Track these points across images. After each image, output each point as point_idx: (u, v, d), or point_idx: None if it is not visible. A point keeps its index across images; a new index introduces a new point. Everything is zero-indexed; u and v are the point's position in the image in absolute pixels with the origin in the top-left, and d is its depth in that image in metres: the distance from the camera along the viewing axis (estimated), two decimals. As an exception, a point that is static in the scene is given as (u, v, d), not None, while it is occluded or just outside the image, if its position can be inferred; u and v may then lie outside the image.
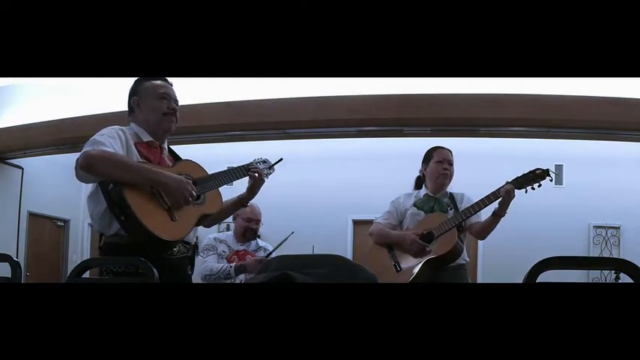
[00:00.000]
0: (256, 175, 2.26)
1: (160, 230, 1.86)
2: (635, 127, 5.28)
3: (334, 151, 6.76)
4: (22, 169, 7.34)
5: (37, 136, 6.48)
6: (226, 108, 5.84)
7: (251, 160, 2.36)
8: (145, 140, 2.05)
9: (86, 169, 1.85)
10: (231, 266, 3.27)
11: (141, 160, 1.98)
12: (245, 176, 2.28)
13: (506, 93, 5.26)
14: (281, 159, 2.45)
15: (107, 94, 6.01)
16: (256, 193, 2.31)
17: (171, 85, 2.14)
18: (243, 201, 2.33)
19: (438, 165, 2.88)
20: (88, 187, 2.02)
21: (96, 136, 1.93)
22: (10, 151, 6.99)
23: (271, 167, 2.42)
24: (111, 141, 1.92)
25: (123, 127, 2.04)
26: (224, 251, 3.44)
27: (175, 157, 2.18)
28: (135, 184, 1.87)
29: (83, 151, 1.87)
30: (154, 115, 2.07)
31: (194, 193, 1.96)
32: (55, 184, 7.44)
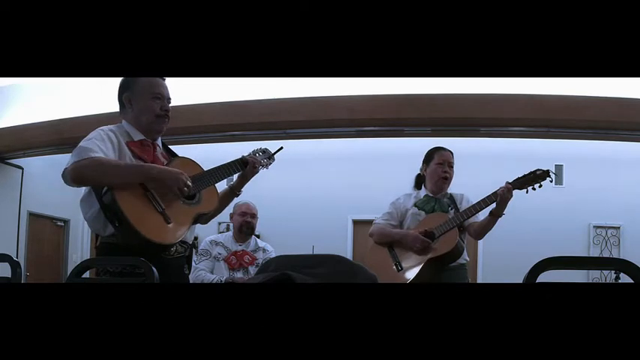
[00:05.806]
0: (251, 166, 2.21)
1: (155, 235, 1.83)
2: (635, 127, 5.28)
3: (334, 151, 6.75)
4: (22, 169, 7.33)
5: (37, 136, 6.47)
6: (226, 108, 5.83)
7: (250, 151, 2.32)
8: (136, 139, 2.00)
9: (78, 182, 1.84)
10: (221, 280, 3.30)
11: (134, 160, 1.95)
12: (240, 170, 2.23)
13: (506, 93, 5.26)
14: (281, 147, 2.40)
15: (107, 94, 5.99)
16: (248, 180, 2.25)
17: (164, 80, 2.07)
18: (235, 190, 2.26)
19: (438, 167, 2.87)
20: (85, 188, 2.00)
21: (83, 142, 1.87)
22: (10, 151, 6.98)
23: (271, 157, 2.36)
24: (100, 145, 1.87)
25: (113, 127, 1.99)
26: (219, 253, 3.43)
27: (171, 154, 2.13)
28: (128, 185, 1.84)
29: (72, 162, 1.83)
30: (146, 116, 2.01)
31: (189, 183, 1.91)
32: (55, 184, 7.28)
